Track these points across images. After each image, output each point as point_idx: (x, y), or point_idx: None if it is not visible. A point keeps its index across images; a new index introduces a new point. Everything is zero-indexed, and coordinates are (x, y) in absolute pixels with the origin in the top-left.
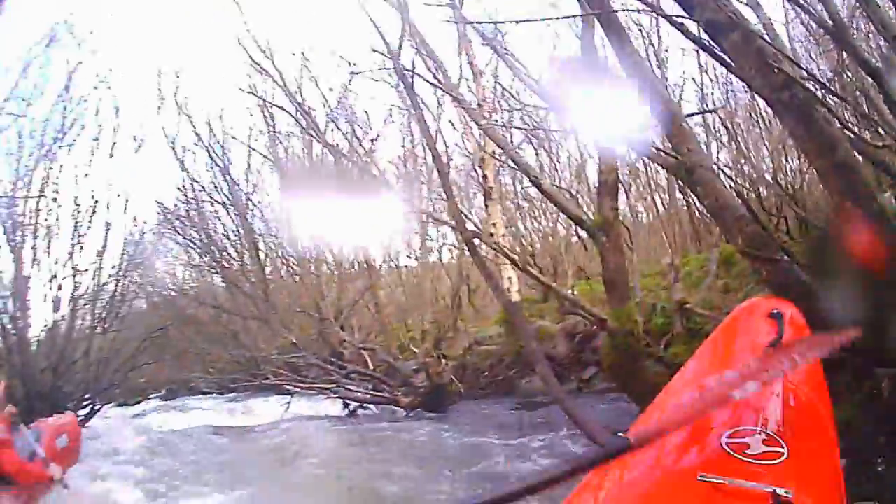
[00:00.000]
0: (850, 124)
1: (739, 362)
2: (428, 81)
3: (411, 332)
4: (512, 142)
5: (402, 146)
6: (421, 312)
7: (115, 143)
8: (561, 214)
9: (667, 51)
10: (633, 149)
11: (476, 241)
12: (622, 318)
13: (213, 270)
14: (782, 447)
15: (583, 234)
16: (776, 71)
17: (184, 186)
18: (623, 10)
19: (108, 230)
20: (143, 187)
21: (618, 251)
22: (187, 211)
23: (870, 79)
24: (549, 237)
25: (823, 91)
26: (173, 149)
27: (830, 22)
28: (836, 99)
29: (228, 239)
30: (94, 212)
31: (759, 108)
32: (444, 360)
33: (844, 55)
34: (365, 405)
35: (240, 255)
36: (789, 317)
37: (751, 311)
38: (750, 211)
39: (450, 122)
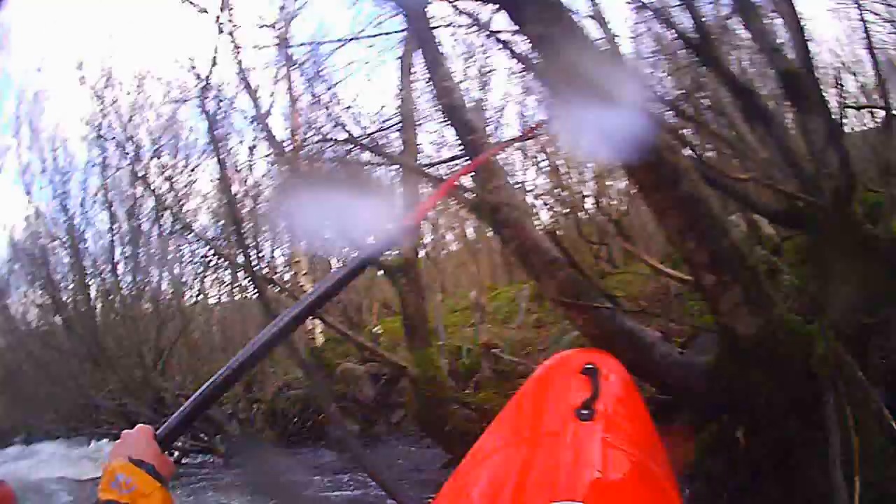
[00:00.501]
0: (700, 152)
1: (547, 432)
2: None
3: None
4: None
5: (212, 181)
6: (231, 352)
7: None
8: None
9: (490, 72)
10: (431, 184)
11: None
12: (424, 362)
13: (54, 310)
14: None
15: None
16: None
17: (28, 218)
18: (443, 26)
19: None
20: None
21: (418, 293)
22: (32, 246)
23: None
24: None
25: (672, 114)
26: (23, 176)
27: (697, 34)
28: (687, 123)
29: (65, 279)
30: None
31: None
32: (254, 405)
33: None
34: (187, 453)
35: (74, 295)
36: (605, 371)
37: (561, 365)
38: (564, 253)
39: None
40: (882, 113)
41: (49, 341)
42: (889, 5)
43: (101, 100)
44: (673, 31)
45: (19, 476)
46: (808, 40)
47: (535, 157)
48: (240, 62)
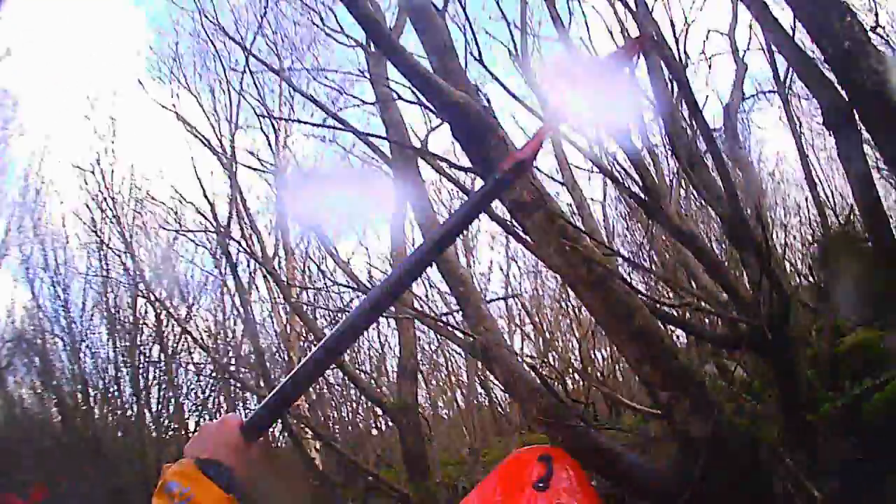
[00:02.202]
0: (656, 289)
1: (509, 499)
2: (250, 255)
3: None
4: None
5: (215, 317)
6: None
7: None
8: (360, 404)
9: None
10: (430, 326)
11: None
12: (424, 493)
13: (51, 402)
14: None
15: (381, 425)
16: (575, 249)
17: (31, 312)
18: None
19: None
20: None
21: (417, 431)
22: (34, 336)
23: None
24: (349, 426)
25: (628, 262)
26: (26, 270)
27: (642, 194)
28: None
29: (64, 375)
30: None
31: (569, 297)
32: None
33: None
34: None
35: (73, 393)
36: (558, 458)
37: (523, 455)
38: (544, 384)
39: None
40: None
41: (45, 430)
42: None
43: (101, 210)
44: (625, 192)
45: None
46: (735, 195)
47: (522, 322)
48: (241, 199)
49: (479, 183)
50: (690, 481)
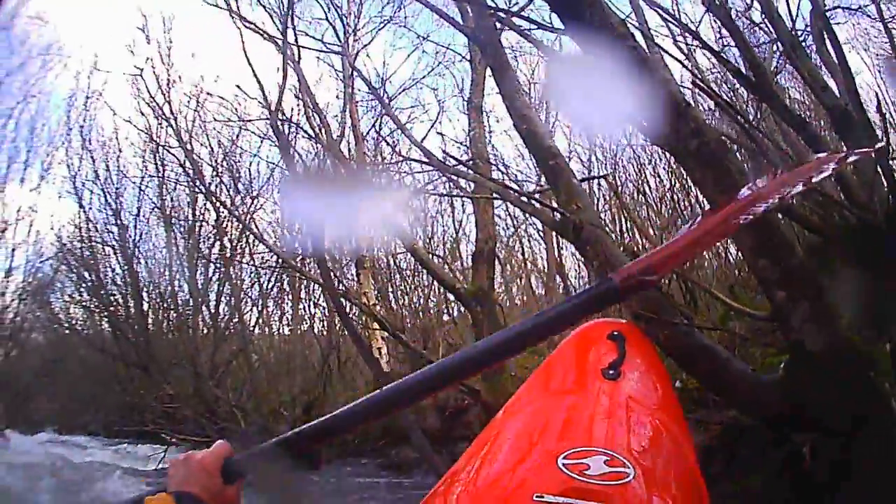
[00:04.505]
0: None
1: (576, 387)
2: (307, 134)
3: (282, 396)
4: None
5: (279, 207)
6: (291, 379)
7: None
8: (432, 290)
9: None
10: (515, 204)
11: (347, 308)
12: (498, 389)
13: (102, 314)
14: (628, 468)
15: (454, 310)
16: (687, 118)
17: (78, 225)
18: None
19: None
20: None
21: (492, 322)
22: (81, 250)
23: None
24: (419, 312)
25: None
26: (73, 184)
27: (750, 72)
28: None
29: (115, 284)
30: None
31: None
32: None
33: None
34: None
35: (125, 302)
36: (631, 339)
37: (590, 332)
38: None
39: None
40: None
41: (94, 343)
42: None
43: (159, 112)
44: (731, 69)
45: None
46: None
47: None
48: (307, 87)
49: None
50: (800, 402)
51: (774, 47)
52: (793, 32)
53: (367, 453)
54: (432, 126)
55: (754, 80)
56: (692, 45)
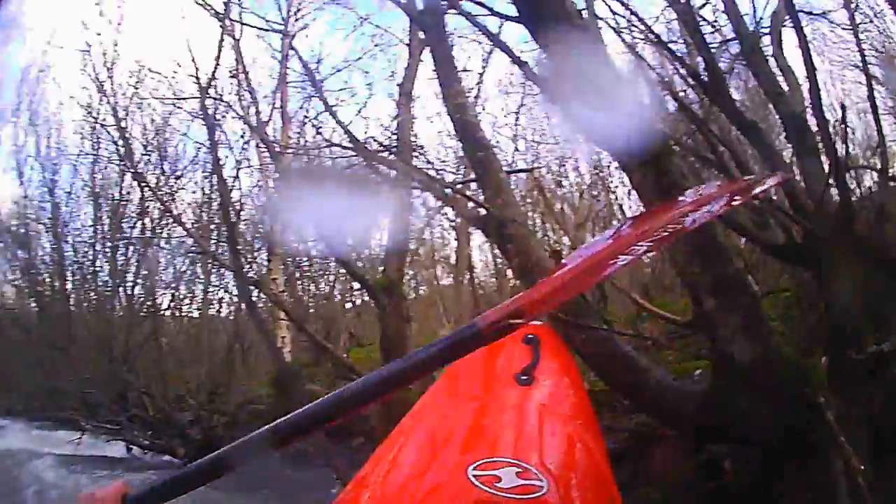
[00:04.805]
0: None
1: (486, 393)
2: (240, 117)
3: (189, 383)
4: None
5: (202, 189)
6: (198, 365)
7: None
8: (338, 278)
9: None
10: (437, 196)
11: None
12: None
13: (29, 293)
14: (541, 480)
15: (358, 301)
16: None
17: (17, 201)
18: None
19: None
20: None
21: (399, 315)
22: (17, 227)
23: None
24: (325, 301)
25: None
26: (16, 160)
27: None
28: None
29: (44, 263)
30: None
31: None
32: (216, 416)
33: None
34: (145, 451)
35: (51, 281)
36: (547, 342)
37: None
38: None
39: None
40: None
41: (21, 322)
42: None
43: (100, 88)
44: (685, 69)
45: None
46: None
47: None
48: (243, 66)
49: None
50: (727, 414)
51: (727, 50)
52: (754, 34)
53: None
54: (360, 111)
55: (709, 81)
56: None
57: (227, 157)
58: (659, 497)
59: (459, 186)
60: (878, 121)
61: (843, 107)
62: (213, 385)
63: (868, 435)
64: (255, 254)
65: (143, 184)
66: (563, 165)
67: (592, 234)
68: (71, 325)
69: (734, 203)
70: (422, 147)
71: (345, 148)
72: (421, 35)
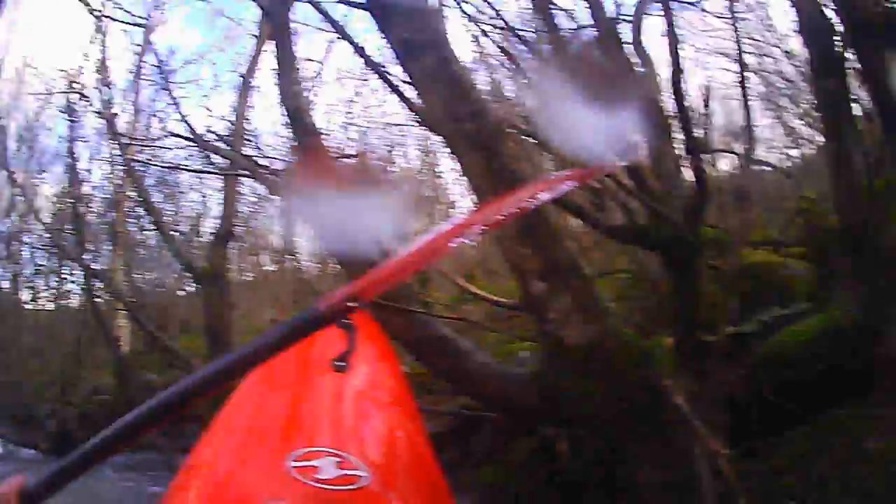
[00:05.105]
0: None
1: (301, 381)
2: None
3: (45, 375)
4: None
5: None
6: (50, 358)
7: None
8: (174, 265)
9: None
10: (261, 182)
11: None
12: None
13: None
14: (360, 470)
15: (190, 287)
16: (467, 100)
17: None
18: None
19: None
20: None
21: (223, 302)
22: None
23: None
24: (160, 289)
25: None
26: None
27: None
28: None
29: None
30: None
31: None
32: (69, 408)
33: None
34: (16, 445)
35: None
36: (363, 326)
37: None
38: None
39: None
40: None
41: None
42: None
43: None
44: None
45: None
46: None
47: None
48: (105, 60)
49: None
50: (558, 397)
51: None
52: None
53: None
54: (202, 103)
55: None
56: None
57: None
58: (492, 479)
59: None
60: (746, 105)
61: (706, 90)
62: (65, 377)
63: (730, 417)
64: (101, 245)
65: (12, 178)
66: (393, 151)
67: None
68: None
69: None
70: (256, 136)
71: (184, 138)
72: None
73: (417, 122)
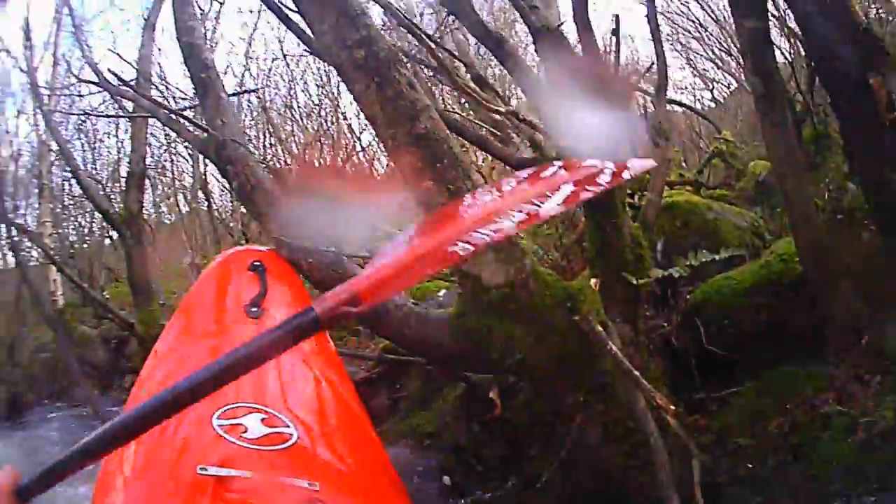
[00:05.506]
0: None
1: (218, 330)
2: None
3: None
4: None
5: None
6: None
7: None
8: (97, 214)
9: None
10: (163, 122)
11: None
12: (149, 321)
13: None
14: (288, 427)
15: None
16: (358, 26)
17: None
18: None
19: None
20: None
21: (142, 248)
22: None
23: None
24: (86, 239)
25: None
26: None
27: None
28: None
29: None
30: None
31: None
32: (17, 369)
33: None
34: None
35: None
36: (273, 269)
37: (230, 262)
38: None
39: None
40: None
41: None
42: None
43: None
44: None
45: None
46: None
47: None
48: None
49: None
50: (482, 341)
51: None
52: None
53: (59, 393)
54: (110, 47)
55: None
56: None
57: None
58: (424, 428)
59: (185, 111)
60: (657, 39)
61: (616, 19)
62: (10, 338)
63: (670, 368)
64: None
65: None
66: (293, 87)
67: (321, 153)
68: None
69: (584, 193)
70: (163, 78)
71: (91, 83)
72: None
73: (308, 51)
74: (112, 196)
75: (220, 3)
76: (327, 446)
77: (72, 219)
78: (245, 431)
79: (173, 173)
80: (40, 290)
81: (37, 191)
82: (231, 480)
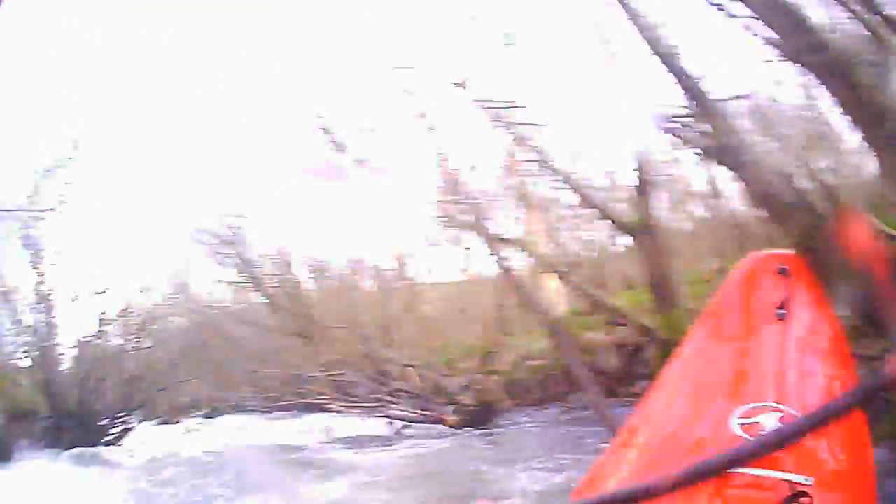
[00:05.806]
0: None
1: (747, 332)
2: None
3: (457, 348)
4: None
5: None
6: (466, 328)
7: None
8: (591, 224)
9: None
10: (665, 127)
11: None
12: (673, 325)
13: (251, 287)
14: None
15: (623, 241)
16: (805, 30)
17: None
18: None
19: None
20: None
21: (661, 253)
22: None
23: None
24: (591, 247)
25: None
26: None
27: None
28: None
29: (262, 257)
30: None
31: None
32: (492, 377)
33: None
34: (410, 424)
35: (276, 271)
36: (798, 273)
37: (757, 266)
38: (804, 199)
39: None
40: None
41: (244, 318)
42: None
43: None
44: None
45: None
46: None
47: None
48: None
49: None
50: None
51: None
52: None
53: (546, 400)
54: None
55: None
56: None
57: None
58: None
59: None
60: None
61: None
62: (487, 346)
63: None
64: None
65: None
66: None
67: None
68: (310, 312)
69: None
70: None
71: None
72: None
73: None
74: (616, 203)
75: None
76: (826, 443)
77: (569, 228)
78: (762, 430)
79: (681, 179)
80: (536, 298)
81: (516, 202)
82: (733, 475)
